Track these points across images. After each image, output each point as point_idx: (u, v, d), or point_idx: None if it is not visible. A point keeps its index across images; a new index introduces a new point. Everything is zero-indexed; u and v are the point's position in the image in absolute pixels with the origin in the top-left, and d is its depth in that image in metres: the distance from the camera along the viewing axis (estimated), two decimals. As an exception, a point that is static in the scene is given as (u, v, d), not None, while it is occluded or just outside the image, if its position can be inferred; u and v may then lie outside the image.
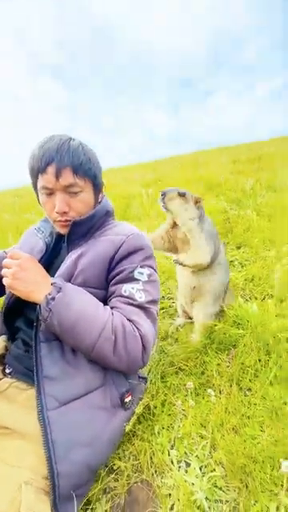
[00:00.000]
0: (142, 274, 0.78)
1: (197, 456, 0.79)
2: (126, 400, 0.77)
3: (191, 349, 1.09)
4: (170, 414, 0.92)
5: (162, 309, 1.47)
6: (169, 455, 0.80)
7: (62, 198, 0.76)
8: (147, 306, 0.75)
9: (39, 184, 0.79)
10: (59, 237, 0.89)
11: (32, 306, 0.72)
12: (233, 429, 0.83)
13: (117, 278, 0.77)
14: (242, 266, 1.72)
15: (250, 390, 0.95)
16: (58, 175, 0.74)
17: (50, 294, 0.67)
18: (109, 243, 0.80)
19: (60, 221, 0.80)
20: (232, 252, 1.92)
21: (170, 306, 1.47)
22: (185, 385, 0.98)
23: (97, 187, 0.84)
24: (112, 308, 0.74)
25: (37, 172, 0.77)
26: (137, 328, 0.70)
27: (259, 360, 1.01)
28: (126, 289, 0.74)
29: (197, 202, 1.07)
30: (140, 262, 0.79)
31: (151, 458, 0.80)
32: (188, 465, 0.78)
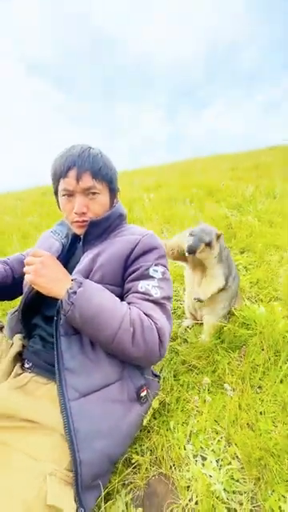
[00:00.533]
0: (156, 271, 0.82)
1: (213, 450, 0.82)
2: (142, 394, 0.80)
3: (202, 348, 1.12)
4: (183, 410, 0.94)
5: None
6: (185, 449, 0.83)
7: (81, 199, 0.83)
8: (162, 301, 0.79)
9: (60, 187, 0.85)
10: (74, 238, 0.95)
11: (49, 302, 0.77)
12: (247, 424, 0.86)
13: (133, 275, 0.81)
14: (247, 270, 1.77)
15: (260, 387, 0.99)
16: (78, 178, 0.80)
17: (71, 289, 0.71)
18: (125, 243, 0.85)
19: (78, 221, 0.85)
20: (236, 257, 1.96)
21: (178, 308, 1.51)
22: (198, 382, 1.01)
23: (112, 191, 0.91)
24: (129, 303, 0.77)
25: (59, 176, 0.84)
26: (153, 322, 0.73)
27: (269, 359, 1.04)
28: (143, 285, 0.78)
29: (218, 237, 1.12)
30: (154, 261, 0.84)
31: (168, 452, 0.82)
32: (204, 459, 0.81)
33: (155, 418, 0.91)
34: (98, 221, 0.86)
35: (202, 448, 0.83)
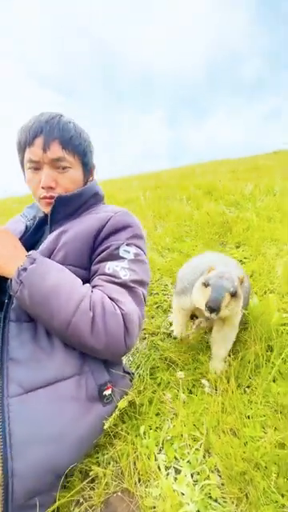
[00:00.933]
0: (127, 252, 0.70)
1: (188, 461, 0.67)
2: (106, 393, 0.67)
3: (185, 344, 0.98)
4: (158, 414, 0.80)
5: (156, 303, 1.37)
6: (156, 460, 0.69)
7: (48, 172, 0.72)
8: (132, 284, 0.67)
9: (26, 158, 0.74)
10: (43, 220, 0.83)
11: (4, 286, 0.66)
12: (230, 430, 0.72)
13: (100, 255, 0.70)
14: (242, 264, 1.64)
15: (249, 387, 0.84)
16: (45, 148, 0.70)
17: (22, 266, 0.61)
18: (94, 220, 0.73)
19: (45, 197, 0.74)
20: (231, 251, 1.83)
21: (164, 301, 1.37)
22: (176, 381, 0.87)
23: (86, 166, 0.80)
24: (94, 287, 0.66)
25: (24, 145, 0.73)
26: (118, 306, 0.61)
27: (260, 355, 0.90)
28: (110, 266, 0.67)
29: (241, 282, 0.81)
30: (126, 240, 0.72)
31: (135, 463, 0.68)
32: (178, 472, 0.66)
33: (124, 422, 0.77)
34: (66, 197, 0.74)
35: (176, 458, 0.69)
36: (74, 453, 0.60)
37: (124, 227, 0.74)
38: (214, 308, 0.70)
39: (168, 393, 0.81)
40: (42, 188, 0.73)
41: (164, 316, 1.28)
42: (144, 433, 0.74)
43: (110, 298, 0.62)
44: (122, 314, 0.61)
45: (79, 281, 0.65)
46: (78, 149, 0.75)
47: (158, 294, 1.47)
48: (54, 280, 0.60)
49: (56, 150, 0.70)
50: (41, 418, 0.56)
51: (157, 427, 0.76)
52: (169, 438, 0.73)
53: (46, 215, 0.80)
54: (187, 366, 0.93)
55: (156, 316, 1.30)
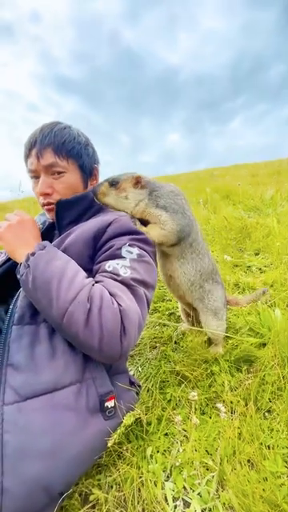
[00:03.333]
0: (130, 252, 0.66)
1: (199, 494, 0.60)
2: (108, 404, 0.61)
3: (198, 356, 0.91)
4: (167, 434, 0.73)
5: (168, 310, 1.30)
6: (162, 489, 0.62)
7: (43, 179, 0.74)
8: (132, 283, 0.62)
9: (27, 169, 0.77)
10: (52, 226, 0.82)
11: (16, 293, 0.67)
12: (248, 461, 0.64)
13: (103, 255, 0.67)
14: (261, 272, 1.54)
15: (270, 412, 0.76)
16: (38, 156, 0.72)
17: (31, 251, 0.62)
18: (98, 221, 0.72)
19: (44, 204, 0.77)
20: (250, 258, 1.73)
21: (177, 308, 1.30)
22: (188, 399, 0.80)
23: (84, 169, 0.79)
24: (96, 282, 0.62)
25: (25, 158, 0.77)
26: (117, 301, 0.56)
27: (283, 376, 0.81)
28: (111, 264, 0.63)
29: (136, 182, 0.80)
30: (130, 241, 0.68)
31: (139, 490, 0.62)
32: (187, 504, 0.59)
33: (129, 441, 0.71)
34: (67, 201, 0.75)
35: (185, 489, 0.62)
36: (71, 470, 0.55)
37: (128, 231, 0.70)
38: (92, 191, 0.76)
39: (179, 413, 0.74)
40: (40, 195, 0.75)
41: (177, 325, 1.21)
42: (151, 455, 0.68)
43: (110, 293, 0.57)
44: (120, 310, 0.55)
45: (84, 273, 0.62)
46: (72, 153, 0.74)
47: (170, 300, 1.40)
48: (58, 267, 0.59)
49: (48, 157, 0.72)
50: (36, 428, 0.52)
51: (165, 450, 0.70)
52: (178, 463, 0.66)
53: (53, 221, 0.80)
54: (200, 382, 0.85)
55: (169, 324, 1.23)
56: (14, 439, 0.49)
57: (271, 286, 1.34)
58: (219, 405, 0.64)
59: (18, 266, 0.64)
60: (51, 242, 0.79)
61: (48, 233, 0.82)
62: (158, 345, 1.10)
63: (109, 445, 0.62)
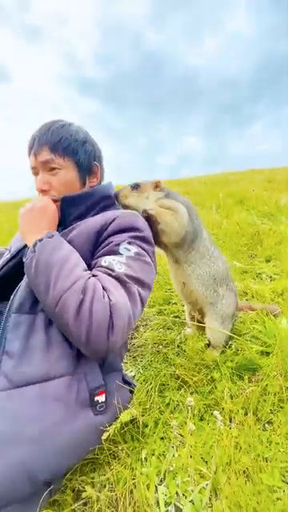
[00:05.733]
0: (128, 249, 0.66)
1: (191, 501, 0.59)
2: (98, 399, 0.62)
3: (200, 361, 0.90)
4: (163, 438, 0.73)
5: (173, 313, 1.30)
6: (155, 492, 0.61)
7: (41, 176, 0.76)
8: (126, 279, 0.61)
9: (29, 167, 0.80)
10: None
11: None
12: (244, 472, 0.62)
13: (101, 251, 0.67)
14: (271, 279, 1.51)
15: (270, 423, 0.74)
16: (36, 154, 0.75)
17: (39, 237, 0.64)
18: (102, 217, 0.72)
19: None
20: (261, 265, 1.70)
21: (183, 311, 1.29)
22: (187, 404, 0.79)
23: (81, 167, 0.79)
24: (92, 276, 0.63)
25: (28, 157, 0.79)
26: (108, 296, 0.56)
27: (286, 388, 0.79)
28: (107, 259, 0.64)
29: (156, 186, 0.93)
30: (129, 239, 0.68)
31: (131, 491, 0.62)
32: (179, 511, 0.58)
33: (125, 442, 0.71)
34: (72, 197, 0.76)
35: (177, 494, 0.61)
36: (56, 460, 0.55)
37: (129, 228, 0.70)
38: (114, 195, 0.86)
39: (176, 417, 0.74)
40: (38, 192, 0.77)
41: (181, 328, 1.20)
42: (145, 458, 0.68)
43: (103, 287, 0.58)
44: (110, 305, 0.55)
45: (83, 265, 0.63)
46: (68, 150, 0.75)
47: (176, 303, 1.39)
48: (62, 255, 0.61)
49: (44, 154, 0.74)
50: (24, 416, 0.53)
51: (160, 454, 0.69)
52: (172, 468, 0.65)
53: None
54: (200, 388, 0.84)
55: (173, 327, 1.22)
56: (1, 425, 0.51)
57: (281, 294, 1.31)
58: (216, 412, 0.63)
59: (25, 250, 0.67)
60: None
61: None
62: (160, 347, 1.10)
63: (103, 438, 0.62)
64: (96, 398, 0.61)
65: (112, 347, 0.57)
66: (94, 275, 0.61)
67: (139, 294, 0.63)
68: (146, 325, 1.28)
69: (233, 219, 2.60)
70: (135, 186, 0.90)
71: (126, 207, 0.86)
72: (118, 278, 0.60)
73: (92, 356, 0.61)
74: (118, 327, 0.55)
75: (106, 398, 0.63)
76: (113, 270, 0.61)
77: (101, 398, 0.62)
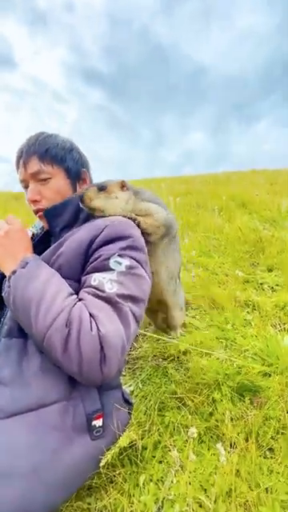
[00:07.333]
0: (119, 263, 0.62)
1: (190, 533, 0.58)
2: (95, 423, 0.59)
3: (199, 380, 0.88)
4: (162, 462, 0.71)
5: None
6: (152, 521, 0.60)
7: (32, 187, 0.75)
8: (118, 300, 0.58)
9: (19, 180, 0.79)
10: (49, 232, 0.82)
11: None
12: (244, 504, 0.61)
13: (90, 266, 0.63)
14: (273, 291, 1.49)
15: (271, 450, 0.73)
16: (25, 165, 0.74)
17: (13, 268, 0.61)
18: (89, 228, 0.69)
19: (35, 211, 0.78)
20: (262, 274, 1.68)
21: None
22: (187, 426, 0.78)
23: (71, 174, 0.79)
24: (79, 300, 0.59)
25: (16, 170, 0.79)
26: (96, 326, 0.53)
27: None
28: (96, 278, 0.60)
29: (123, 186, 0.87)
30: (120, 250, 0.63)
31: (129, 520, 0.60)
32: None
33: (123, 466, 0.69)
34: (53, 208, 0.74)
35: (175, 524, 0.60)
36: (53, 494, 0.53)
37: (120, 237, 0.66)
38: (80, 196, 0.77)
39: (175, 440, 0.72)
40: (30, 202, 0.76)
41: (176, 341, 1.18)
42: (143, 484, 0.66)
43: (91, 315, 0.54)
44: (100, 336, 0.52)
45: (66, 291, 0.59)
46: (56, 158, 0.75)
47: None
48: (38, 287, 0.56)
49: (33, 165, 0.74)
50: (18, 447, 0.50)
51: (158, 480, 0.68)
52: (170, 497, 0.64)
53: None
54: (200, 409, 0.83)
55: (170, 339, 1.21)
56: None
57: (282, 308, 1.30)
58: (219, 445, 0.61)
59: (4, 281, 0.63)
60: (49, 246, 0.77)
61: (46, 238, 0.82)
62: (160, 360, 1.08)
63: (101, 464, 0.60)
64: (93, 423, 0.59)
65: (107, 376, 0.54)
66: (80, 298, 0.58)
67: (132, 313, 0.60)
68: (145, 335, 1.27)
69: (235, 223, 2.57)
70: (101, 187, 0.82)
71: (92, 210, 0.79)
72: (108, 300, 0.57)
73: (88, 385, 0.59)
74: (111, 358, 0.53)
75: (103, 422, 0.61)
76: (103, 291, 0.57)
77: (98, 423, 0.60)
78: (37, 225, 0.87)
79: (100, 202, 0.80)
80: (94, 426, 0.60)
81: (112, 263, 0.61)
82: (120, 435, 0.67)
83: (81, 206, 0.76)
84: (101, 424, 0.61)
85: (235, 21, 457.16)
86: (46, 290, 0.56)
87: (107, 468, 0.65)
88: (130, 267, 0.63)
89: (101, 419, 0.61)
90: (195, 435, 0.60)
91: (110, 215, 0.78)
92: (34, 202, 0.75)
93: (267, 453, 0.72)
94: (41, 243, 0.80)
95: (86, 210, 0.77)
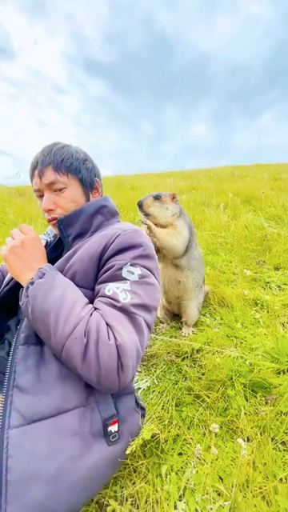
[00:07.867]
0: (131, 273, 0.64)
1: (211, 518, 0.63)
2: (111, 429, 0.62)
3: (214, 377, 0.92)
4: (181, 454, 0.76)
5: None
6: (175, 508, 0.65)
7: (47, 196, 0.76)
8: (132, 310, 0.60)
9: (33, 190, 0.80)
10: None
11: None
12: (261, 493, 0.66)
13: (103, 276, 0.65)
14: (281, 290, 1.53)
15: (285, 443, 0.77)
16: (41, 176, 0.75)
17: (31, 279, 0.61)
18: (100, 237, 0.70)
19: (49, 220, 0.78)
20: (269, 273, 1.72)
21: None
22: (203, 420, 0.82)
23: (85, 184, 0.80)
24: (95, 310, 0.62)
25: (31, 179, 0.80)
26: (113, 335, 0.55)
27: (299, 407, 0.82)
28: (110, 288, 0.62)
29: (173, 198, 1.12)
30: (131, 260, 0.66)
31: (153, 507, 0.65)
32: (198, 527, 0.62)
33: (145, 456, 0.74)
34: (66, 217, 0.75)
35: (197, 511, 0.65)
36: (75, 496, 0.55)
37: (131, 246, 0.68)
38: (138, 203, 1.05)
39: (193, 434, 0.77)
40: (45, 212, 0.77)
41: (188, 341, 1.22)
42: (166, 474, 0.71)
43: (107, 325, 0.57)
44: (117, 345, 0.54)
45: (83, 301, 0.61)
46: (71, 168, 0.76)
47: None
48: (56, 298, 0.58)
49: (49, 175, 0.74)
50: (40, 453, 0.52)
51: (178, 470, 0.72)
52: (191, 485, 0.69)
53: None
54: (216, 403, 0.87)
55: (181, 339, 1.25)
56: (18, 464, 0.50)
57: (291, 307, 1.33)
58: (240, 440, 0.66)
59: (20, 291, 0.64)
60: (62, 254, 0.78)
61: (59, 245, 0.83)
62: (174, 357, 1.12)
63: (127, 452, 0.64)
64: (109, 429, 0.62)
65: (123, 383, 0.57)
66: (96, 308, 0.60)
67: (145, 321, 0.62)
68: (157, 333, 1.31)
69: (240, 221, 2.59)
70: (157, 197, 1.05)
71: (147, 215, 1.02)
72: (123, 310, 0.59)
73: (106, 392, 0.62)
74: (128, 366, 0.55)
75: (119, 427, 0.64)
76: (118, 301, 0.60)
77: (114, 428, 0.62)
78: (49, 232, 0.89)
79: (155, 209, 1.06)
80: (110, 431, 0.62)
81: (125, 273, 0.64)
82: (134, 439, 0.69)
83: (138, 211, 0.96)
84: (116, 429, 0.63)
85: (241, 8, 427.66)
86: (63, 301, 0.57)
87: (131, 458, 0.70)
88: (142, 276, 0.65)
89: (116, 424, 0.63)
90: (217, 430, 0.65)
91: (159, 222, 1.07)
92: (49, 211, 0.76)
93: (280, 446, 0.76)
94: (53, 251, 0.82)
95: (143, 214, 0.99)
